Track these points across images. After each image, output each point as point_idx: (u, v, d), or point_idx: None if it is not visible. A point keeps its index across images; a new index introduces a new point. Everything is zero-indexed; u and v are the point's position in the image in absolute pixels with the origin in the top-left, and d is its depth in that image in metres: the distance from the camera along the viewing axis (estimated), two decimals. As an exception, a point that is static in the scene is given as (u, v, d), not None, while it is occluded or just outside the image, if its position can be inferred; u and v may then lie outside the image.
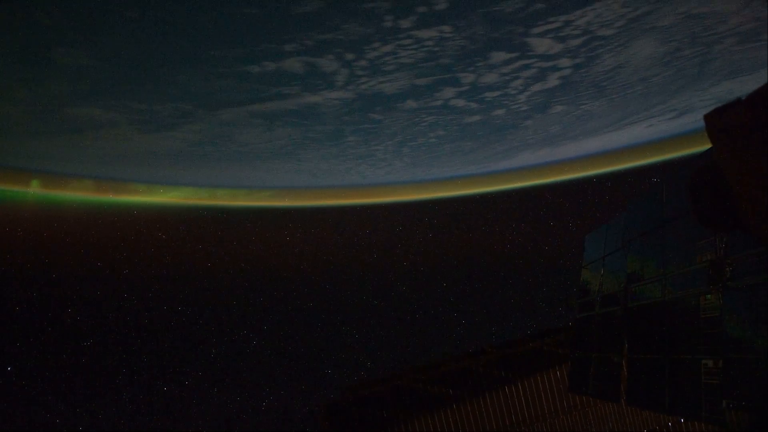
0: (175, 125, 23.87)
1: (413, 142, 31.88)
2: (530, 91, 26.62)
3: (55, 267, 32.94)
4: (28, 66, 17.54)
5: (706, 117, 4.17)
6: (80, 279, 33.81)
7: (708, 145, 5.04)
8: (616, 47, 23.03)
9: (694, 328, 5.99)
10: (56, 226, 33.15)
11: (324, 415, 12.31)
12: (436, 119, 28.47)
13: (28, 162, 26.71)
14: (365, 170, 36.35)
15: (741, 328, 5.22)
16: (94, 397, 31.04)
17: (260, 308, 38.66)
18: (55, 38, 16.27)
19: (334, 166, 34.34)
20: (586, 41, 22.08)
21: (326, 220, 43.93)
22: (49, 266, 32.84)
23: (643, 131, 36.53)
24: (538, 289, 40.39)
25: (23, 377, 29.76)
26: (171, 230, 38.18)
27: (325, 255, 42.80)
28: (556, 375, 12.84)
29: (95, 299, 34.02)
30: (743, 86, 30.25)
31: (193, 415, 32.35)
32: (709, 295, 5.79)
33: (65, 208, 32.44)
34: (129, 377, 32.54)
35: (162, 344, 34.73)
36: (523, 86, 25.94)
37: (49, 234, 33.09)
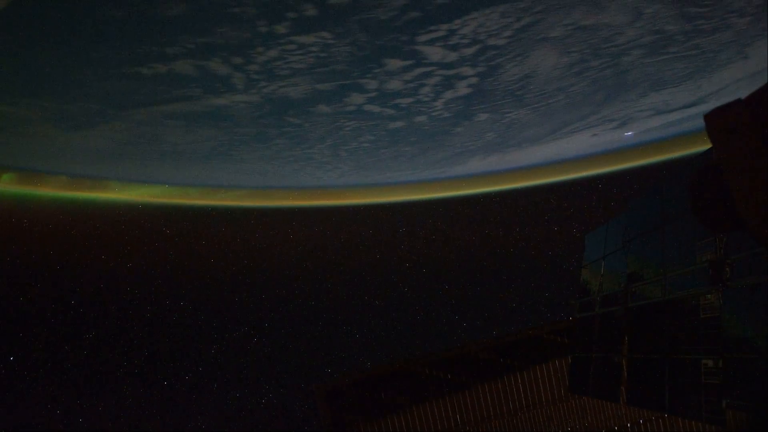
0: (94, 123, 23.89)
1: (347, 146, 31.79)
2: (444, 98, 26.73)
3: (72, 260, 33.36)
4: None
5: (706, 117, 4.17)
6: (83, 271, 34.10)
7: (708, 145, 5.04)
8: (515, 57, 23.16)
9: (694, 328, 5.99)
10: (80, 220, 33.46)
11: (322, 397, 12.32)
12: (358, 124, 28.46)
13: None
14: (315, 172, 36.18)
15: (741, 328, 5.22)
16: (94, 389, 31.38)
17: (261, 306, 38.78)
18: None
19: (279, 168, 34.34)
20: (480, 50, 22.19)
21: (329, 220, 44.00)
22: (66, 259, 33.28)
23: (591, 140, 36.65)
24: (540, 291, 40.44)
25: (25, 368, 30.04)
26: (173, 226, 38.33)
27: (328, 254, 42.90)
28: (555, 363, 12.88)
29: (98, 292, 34.32)
30: (675, 97, 30.59)
31: (192, 410, 32.56)
32: (709, 295, 5.79)
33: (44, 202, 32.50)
34: (129, 370, 32.82)
35: (163, 339, 35.01)
36: (434, 94, 26.07)
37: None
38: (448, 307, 40.93)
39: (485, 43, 21.52)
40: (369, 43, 20.33)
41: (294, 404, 33.83)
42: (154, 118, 24.14)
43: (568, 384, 11.18)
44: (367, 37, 19.83)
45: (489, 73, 24.33)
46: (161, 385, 32.85)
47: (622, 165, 41.95)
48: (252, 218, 41.46)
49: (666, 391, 6.34)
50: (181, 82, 21.36)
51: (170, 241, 38.20)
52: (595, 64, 24.89)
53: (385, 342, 38.82)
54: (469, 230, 45.14)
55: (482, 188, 44.72)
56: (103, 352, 32.65)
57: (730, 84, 29.08)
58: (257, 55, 20.28)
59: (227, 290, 39.03)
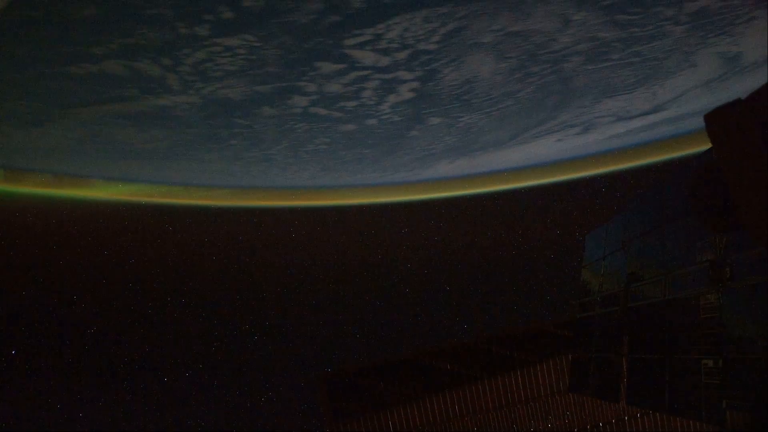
0: (41, 122, 23.63)
1: (305, 148, 31.53)
2: (389, 102, 26.34)
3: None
4: None
5: (706, 117, 4.17)
6: (89, 267, 34.26)
7: (708, 145, 5.05)
8: (451, 62, 22.85)
9: (694, 328, 6.00)
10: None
11: (323, 384, 12.37)
12: (310, 126, 28.21)
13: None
14: (283, 173, 35.96)
15: (741, 328, 5.22)
16: (94, 383, 31.64)
17: (263, 304, 38.87)
18: None
19: (245, 168, 34.10)
20: (413, 55, 21.91)
21: (332, 220, 44.11)
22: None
23: (556, 145, 36.57)
24: (543, 292, 40.46)
25: (27, 361, 30.33)
26: (177, 223, 38.44)
27: (331, 254, 42.98)
28: (558, 356, 12.90)
29: (101, 287, 34.48)
30: (632, 104, 30.55)
31: (191, 407, 32.73)
32: (709, 295, 5.79)
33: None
34: (129, 366, 33.02)
35: (164, 335, 35.17)
36: (378, 97, 25.66)
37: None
38: (447, 308, 40.98)
39: (416, 48, 21.32)
40: (296, 46, 20.07)
41: (294, 403, 33.93)
42: (101, 117, 23.91)
43: (568, 384, 11.18)
44: (293, 40, 19.57)
45: (428, 77, 24.16)
46: (161, 381, 33.08)
47: (622, 165, 41.98)
48: (254, 217, 41.59)
49: (666, 391, 6.34)
50: (116, 82, 21.09)
51: (171, 237, 38.31)
52: (535, 69, 24.71)
53: (385, 341, 38.88)
54: (462, 232, 45.17)
55: (465, 191, 44.81)
56: (105, 347, 32.93)
57: (687, 91, 29.05)
58: (185, 57, 19.99)
59: (228, 288, 39.18)
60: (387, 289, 41.71)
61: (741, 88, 28.40)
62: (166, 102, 23.29)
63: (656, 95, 29.50)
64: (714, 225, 4.69)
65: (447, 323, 40.28)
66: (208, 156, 31.13)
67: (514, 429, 12.62)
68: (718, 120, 4.01)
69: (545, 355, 12.81)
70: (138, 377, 32.70)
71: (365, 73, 22.83)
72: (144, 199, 36.71)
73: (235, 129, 27.39)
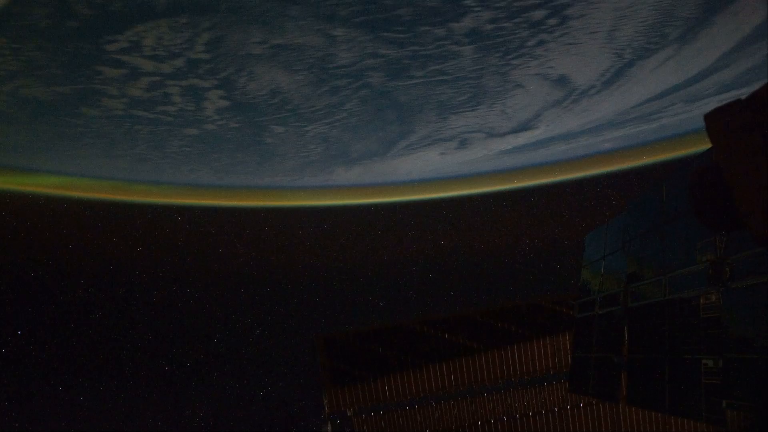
0: None
1: (167, 149, 30.64)
2: (209, 109, 25.44)
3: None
4: None
5: (706, 117, 4.17)
6: (93, 254, 34.69)
7: (708, 145, 5.04)
8: (238, 72, 22.30)
9: (694, 328, 6.00)
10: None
11: (322, 346, 12.47)
12: (150, 130, 27.24)
13: None
14: (191, 173, 35.46)
15: (741, 328, 5.22)
16: (97, 367, 32.18)
17: (267, 299, 39.03)
18: None
19: (135, 164, 33.30)
20: (191, 63, 21.22)
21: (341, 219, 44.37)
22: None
23: (440, 158, 36.17)
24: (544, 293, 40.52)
25: (31, 342, 30.87)
26: (186, 213, 38.79)
27: (334, 253, 43.14)
28: (556, 333, 13.02)
29: (108, 273, 34.85)
30: (485, 120, 30.15)
31: (189, 396, 33.15)
32: (709, 295, 5.79)
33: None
34: (132, 352, 33.62)
35: (167, 324, 35.55)
36: (194, 103, 24.73)
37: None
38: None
39: (188, 56, 20.66)
40: (59, 49, 19.20)
41: (291, 400, 34.13)
42: None
43: (568, 384, 11.19)
44: (51, 43, 18.69)
45: (227, 86, 23.50)
46: (162, 369, 33.54)
47: (622, 165, 42.00)
48: (260, 217, 41.88)
49: (666, 391, 6.34)
50: None
51: (180, 227, 38.59)
52: (341, 83, 24.10)
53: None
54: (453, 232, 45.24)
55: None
56: (109, 332, 33.49)
57: (541, 109, 28.67)
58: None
59: (234, 281, 39.48)
60: (389, 290, 41.78)
61: (608, 107, 28.71)
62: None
63: (508, 113, 28.94)
64: (714, 225, 4.69)
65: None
66: (80, 153, 29.78)
67: (508, 401, 12.81)
68: (718, 120, 4.00)
69: (543, 332, 12.93)
70: (140, 364, 33.36)
71: (157, 78, 22.12)
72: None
73: (78, 128, 26.20)
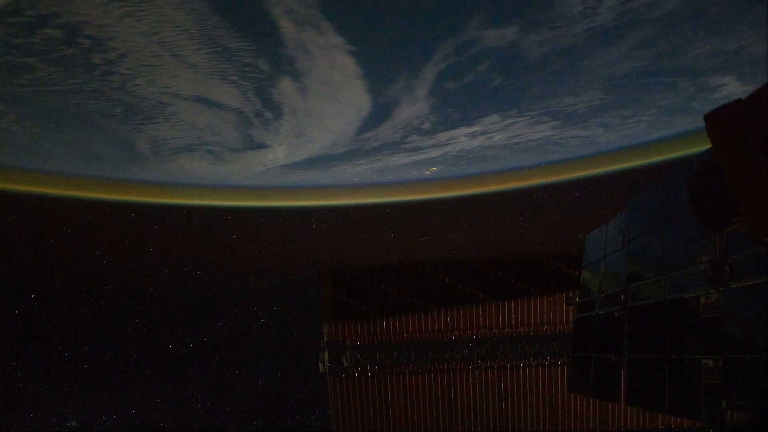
0: None
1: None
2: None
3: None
4: None
5: (706, 117, 4.17)
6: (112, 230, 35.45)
7: (708, 145, 5.04)
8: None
9: (694, 328, 6.00)
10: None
11: (328, 277, 12.82)
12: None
13: None
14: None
15: (741, 328, 5.22)
16: (102, 340, 33.03)
17: (275, 289, 39.25)
18: None
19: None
20: None
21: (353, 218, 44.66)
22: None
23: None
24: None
25: (43, 309, 31.69)
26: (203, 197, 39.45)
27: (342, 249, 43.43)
28: (553, 288, 13.26)
29: (124, 247, 35.34)
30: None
31: (189, 377, 33.72)
32: (709, 295, 5.79)
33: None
34: (138, 329, 34.20)
35: (174, 303, 35.94)
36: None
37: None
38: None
39: None
40: None
41: (289, 392, 34.38)
42: None
43: (567, 383, 11.19)
44: None
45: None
46: (165, 347, 34.05)
47: (622, 165, 41.98)
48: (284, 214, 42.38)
49: (666, 391, 6.34)
50: None
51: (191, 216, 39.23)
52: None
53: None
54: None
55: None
56: (116, 307, 34.07)
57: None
58: None
59: (246, 269, 39.82)
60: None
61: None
62: None
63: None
64: (714, 225, 4.69)
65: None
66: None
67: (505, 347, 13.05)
68: (718, 120, 4.00)
69: (542, 287, 13.16)
70: (144, 339, 34.08)
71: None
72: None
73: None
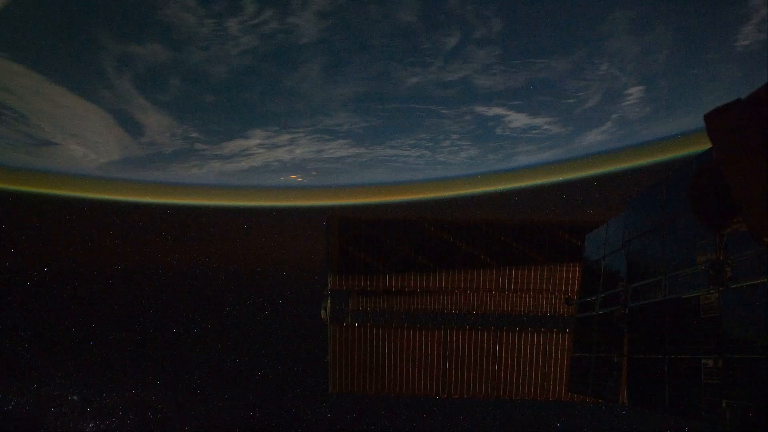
0: None
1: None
2: None
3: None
4: None
5: (706, 117, 4.17)
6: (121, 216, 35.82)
7: (708, 145, 5.04)
8: None
9: (694, 328, 5.99)
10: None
11: (336, 226, 12.98)
12: None
13: None
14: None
15: (741, 328, 5.22)
16: (108, 325, 33.67)
17: (281, 282, 39.39)
18: None
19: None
20: None
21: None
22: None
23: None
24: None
25: (55, 281, 32.71)
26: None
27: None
28: (557, 257, 13.33)
29: (133, 232, 35.96)
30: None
31: (190, 362, 34.11)
32: (709, 295, 5.79)
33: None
34: (143, 313, 35.00)
35: (181, 287, 36.29)
36: None
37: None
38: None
39: None
40: None
41: (287, 385, 34.49)
42: None
43: (567, 384, 11.18)
44: None
45: None
46: (170, 331, 34.50)
47: (622, 165, 41.99)
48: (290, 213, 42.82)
49: (666, 391, 6.34)
50: None
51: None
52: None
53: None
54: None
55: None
56: (123, 294, 34.48)
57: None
58: None
59: (253, 261, 40.11)
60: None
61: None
62: None
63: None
64: (714, 225, 4.69)
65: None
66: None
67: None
68: (718, 120, 4.00)
69: (547, 255, 13.25)
70: (150, 321, 34.69)
71: None
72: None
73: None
